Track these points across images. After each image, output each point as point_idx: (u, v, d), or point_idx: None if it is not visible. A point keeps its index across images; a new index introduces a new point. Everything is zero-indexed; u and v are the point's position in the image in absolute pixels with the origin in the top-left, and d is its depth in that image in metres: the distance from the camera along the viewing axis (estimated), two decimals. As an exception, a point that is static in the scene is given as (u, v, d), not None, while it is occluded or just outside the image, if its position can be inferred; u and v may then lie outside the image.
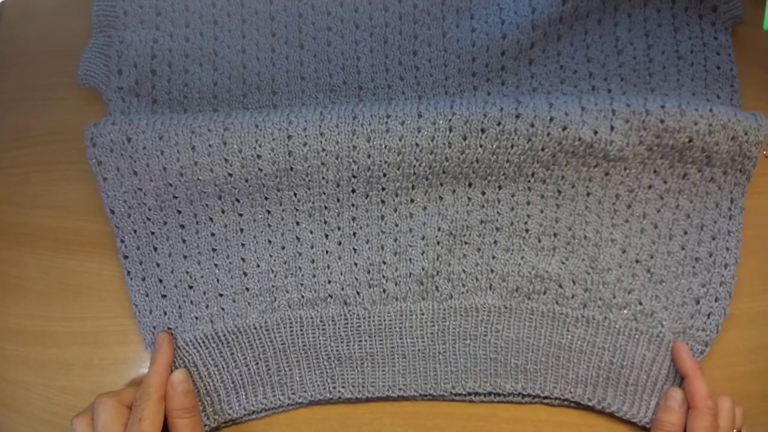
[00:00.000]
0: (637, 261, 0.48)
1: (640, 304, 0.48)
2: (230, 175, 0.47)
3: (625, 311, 0.48)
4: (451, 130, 0.46)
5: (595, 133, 0.47)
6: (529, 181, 0.48)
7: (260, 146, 0.46)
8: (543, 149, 0.47)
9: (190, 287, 0.48)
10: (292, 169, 0.47)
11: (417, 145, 0.47)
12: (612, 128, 0.47)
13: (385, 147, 0.46)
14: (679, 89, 0.51)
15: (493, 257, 0.48)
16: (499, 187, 0.49)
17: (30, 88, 0.53)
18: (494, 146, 0.47)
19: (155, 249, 0.48)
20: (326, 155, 0.47)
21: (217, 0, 0.52)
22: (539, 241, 0.48)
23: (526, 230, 0.49)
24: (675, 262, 0.49)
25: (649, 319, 0.48)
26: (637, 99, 0.47)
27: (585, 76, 0.52)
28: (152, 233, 0.48)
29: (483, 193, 0.49)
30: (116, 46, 0.51)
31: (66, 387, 0.49)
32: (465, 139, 0.47)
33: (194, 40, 0.52)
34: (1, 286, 0.51)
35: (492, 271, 0.48)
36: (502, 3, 0.52)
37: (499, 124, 0.46)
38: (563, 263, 0.48)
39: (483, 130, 0.46)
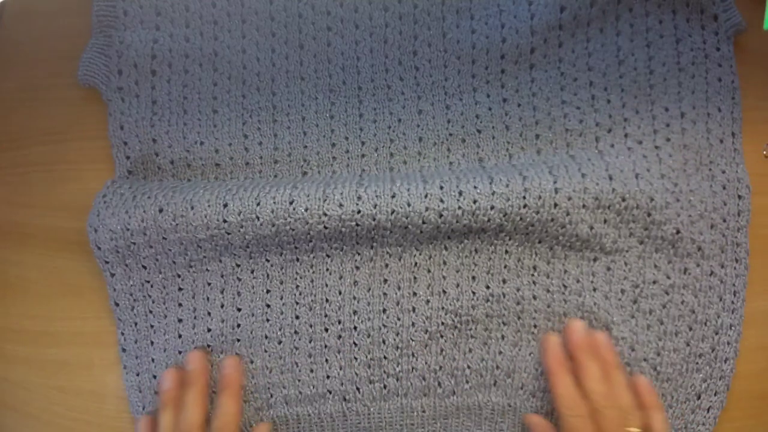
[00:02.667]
0: (644, 360, 0.48)
1: None
2: (238, 266, 0.48)
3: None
4: (451, 228, 0.46)
5: (591, 228, 0.47)
6: (533, 275, 0.48)
7: (261, 225, 0.45)
8: (540, 242, 0.48)
9: None
10: (298, 260, 0.48)
11: (419, 241, 0.47)
12: (605, 221, 0.47)
13: (387, 241, 0.47)
14: (680, 102, 0.51)
15: (500, 353, 0.48)
16: (503, 281, 0.48)
17: (30, 88, 0.53)
18: (492, 238, 0.48)
19: (152, 343, 0.48)
20: (331, 249, 0.47)
21: (217, 0, 0.52)
22: None
23: (534, 326, 0.48)
24: (680, 359, 0.48)
25: None
26: (631, 185, 0.47)
27: (585, 84, 0.52)
28: (151, 326, 0.48)
29: (487, 287, 0.48)
30: (116, 46, 0.51)
31: (66, 387, 0.49)
32: (464, 233, 0.47)
33: (194, 41, 0.51)
34: (2, 286, 0.51)
35: (497, 367, 0.48)
36: (503, 5, 0.52)
37: (500, 226, 0.46)
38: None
39: (484, 230, 0.47)
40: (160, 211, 0.46)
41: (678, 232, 0.48)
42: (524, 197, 0.45)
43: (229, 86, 0.51)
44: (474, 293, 0.48)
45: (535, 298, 0.48)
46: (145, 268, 0.48)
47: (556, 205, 0.46)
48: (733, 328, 0.49)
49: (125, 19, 0.51)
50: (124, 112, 0.50)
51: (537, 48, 0.51)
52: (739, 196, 0.49)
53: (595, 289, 0.48)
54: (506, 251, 0.48)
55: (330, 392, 0.48)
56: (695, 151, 0.50)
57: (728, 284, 0.49)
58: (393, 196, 0.45)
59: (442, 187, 0.45)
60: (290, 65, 0.52)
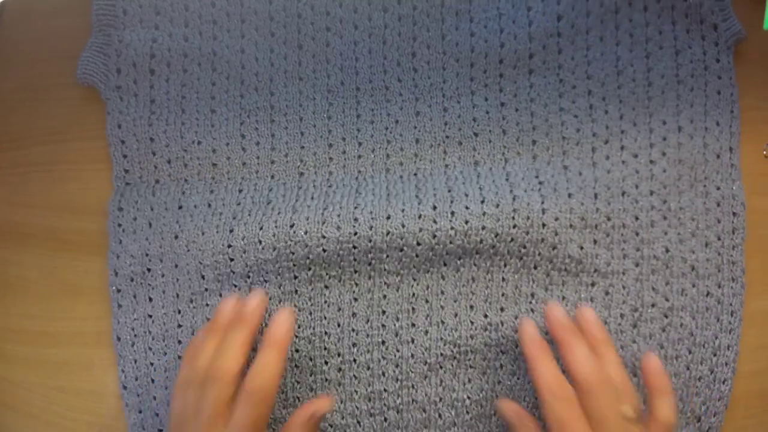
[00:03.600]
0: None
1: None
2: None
3: None
4: (447, 253, 0.47)
5: (581, 248, 0.48)
6: (531, 303, 0.48)
7: (266, 272, 0.47)
8: (536, 268, 0.48)
9: None
10: (296, 292, 0.48)
11: (416, 269, 0.48)
12: (595, 241, 0.48)
13: (385, 269, 0.48)
14: (678, 116, 0.51)
15: (499, 382, 0.48)
16: (501, 309, 0.48)
17: (30, 88, 0.53)
18: (488, 264, 0.48)
19: (152, 381, 0.48)
20: (329, 280, 0.48)
21: (216, 0, 0.52)
22: None
23: None
24: (681, 384, 0.48)
25: None
26: (615, 204, 0.49)
27: (584, 92, 0.51)
28: (151, 364, 0.48)
29: (485, 316, 0.48)
30: (115, 45, 0.51)
31: (66, 387, 0.49)
32: (459, 258, 0.48)
33: (193, 40, 0.51)
34: (2, 286, 0.51)
35: (497, 396, 0.48)
36: (502, 8, 0.52)
37: (493, 247, 0.47)
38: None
39: (478, 252, 0.47)
40: (176, 237, 0.48)
41: (667, 250, 0.49)
42: (513, 218, 0.47)
43: (227, 86, 0.51)
44: (472, 323, 0.48)
45: None
46: (150, 300, 0.49)
47: (544, 225, 0.47)
48: (730, 348, 0.49)
49: (124, 18, 0.51)
50: (122, 110, 0.50)
51: (536, 54, 0.51)
52: (734, 213, 0.49)
53: None
54: (503, 279, 0.48)
55: (331, 426, 0.48)
56: (690, 166, 0.50)
57: (725, 304, 0.49)
58: (388, 218, 0.46)
59: (435, 207, 0.47)
60: (289, 65, 0.52)
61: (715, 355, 0.49)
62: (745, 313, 0.50)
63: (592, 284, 0.49)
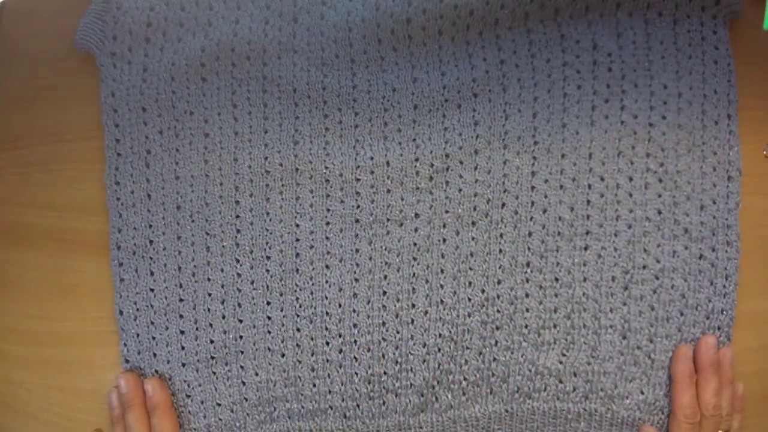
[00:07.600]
0: (638, 348, 0.48)
1: (642, 393, 0.47)
2: (239, 275, 0.48)
3: (627, 401, 0.47)
4: (444, 226, 0.48)
5: (572, 209, 0.49)
6: (526, 272, 0.49)
7: (270, 248, 0.48)
8: (530, 235, 0.49)
9: (188, 396, 0.48)
10: (297, 270, 0.48)
11: (415, 244, 0.48)
12: (588, 202, 0.49)
13: (386, 249, 0.49)
14: (678, 81, 0.51)
15: (494, 359, 0.48)
16: (498, 282, 0.49)
17: (30, 88, 0.53)
18: (485, 237, 0.48)
19: (155, 355, 0.48)
20: (331, 258, 0.48)
21: None
22: (539, 335, 0.48)
23: (525, 326, 0.48)
24: (673, 345, 0.48)
25: (651, 408, 0.47)
26: (610, 164, 0.49)
27: (588, 47, 0.51)
28: (153, 338, 0.49)
29: (483, 291, 0.48)
30: (113, 11, 0.51)
31: (66, 387, 0.49)
32: (458, 234, 0.48)
33: (189, 9, 0.51)
34: (1, 286, 0.51)
35: (493, 374, 0.48)
36: None
37: (487, 215, 0.48)
38: (563, 355, 0.48)
39: (474, 223, 0.48)
40: (178, 208, 0.49)
41: (660, 213, 0.49)
42: (503, 183, 0.48)
43: (218, 53, 0.50)
44: (470, 299, 0.48)
45: (527, 296, 0.48)
46: (152, 274, 0.49)
47: (533, 188, 0.48)
48: (725, 312, 0.49)
49: None
50: (115, 78, 0.50)
51: (531, 14, 0.50)
52: (729, 177, 0.49)
53: (585, 279, 0.49)
54: (500, 251, 0.49)
55: (331, 408, 0.48)
56: (689, 131, 0.50)
57: (719, 268, 0.49)
58: (388, 191, 0.49)
59: (431, 179, 0.49)
60: (283, 37, 0.51)
61: (708, 318, 0.49)
62: (745, 313, 0.49)
63: (586, 248, 0.49)
